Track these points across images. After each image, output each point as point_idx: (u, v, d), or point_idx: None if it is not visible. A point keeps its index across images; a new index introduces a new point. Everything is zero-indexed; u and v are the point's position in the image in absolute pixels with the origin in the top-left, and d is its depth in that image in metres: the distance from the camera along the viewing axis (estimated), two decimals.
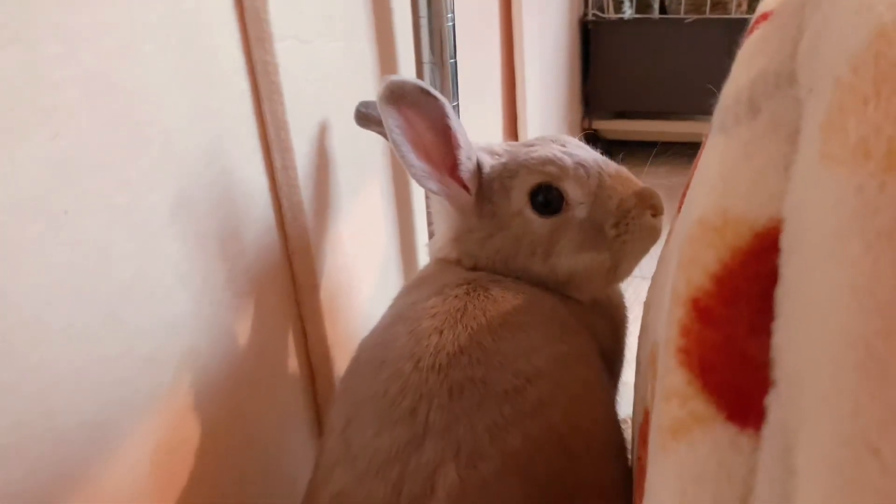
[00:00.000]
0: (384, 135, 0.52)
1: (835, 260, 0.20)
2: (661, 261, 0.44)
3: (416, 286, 0.55)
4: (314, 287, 0.63)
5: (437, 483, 0.40)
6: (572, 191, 0.53)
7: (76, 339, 0.40)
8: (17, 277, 0.36)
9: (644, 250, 0.55)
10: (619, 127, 1.92)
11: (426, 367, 0.43)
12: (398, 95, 0.48)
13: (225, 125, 0.52)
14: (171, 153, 0.47)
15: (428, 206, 0.74)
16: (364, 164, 0.73)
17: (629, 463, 0.49)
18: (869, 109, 0.22)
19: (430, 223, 0.75)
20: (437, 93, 0.49)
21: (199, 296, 0.50)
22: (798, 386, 0.20)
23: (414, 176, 0.51)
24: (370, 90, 0.71)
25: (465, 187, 0.54)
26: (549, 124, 1.53)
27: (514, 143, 0.59)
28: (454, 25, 0.72)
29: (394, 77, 0.48)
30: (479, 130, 1.09)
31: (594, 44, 1.81)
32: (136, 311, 0.45)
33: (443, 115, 0.50)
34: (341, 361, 0.68)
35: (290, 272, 0.62)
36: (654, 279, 0.46)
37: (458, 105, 0.78)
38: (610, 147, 1.90)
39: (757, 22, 0.35)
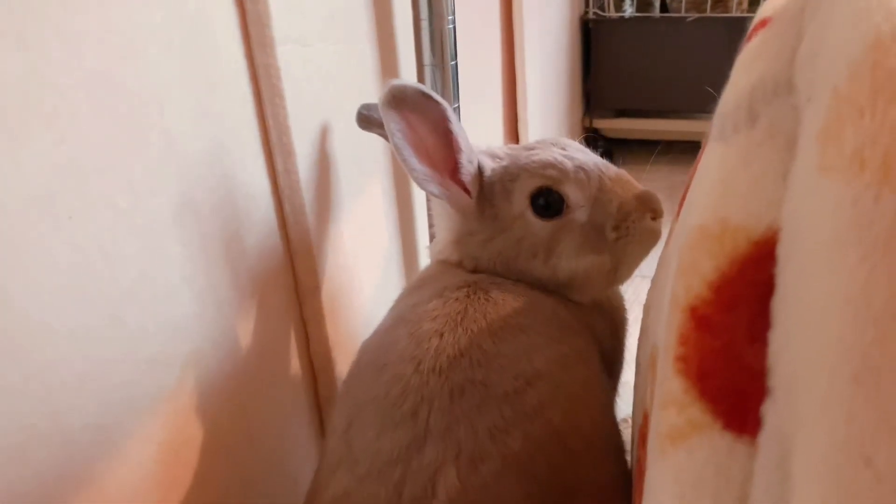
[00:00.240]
0: (385, 137, 0.52)
1: (831, 270, 0.21)
2: (661, 263, 0.44)
3: (417, 288, 0.55)
4: (316, 288, 0.63)
5: (438, 485, 0.40)
6: (573, 194, 0.53)
7: (80, 341, 0.41)
8: (23, 280, 0.37)
9: (644, 253, 0.55)
10: (620, 125, 1.92)
11: (427, 370, 0.44)
12: (400, 100, 0.48)
13: (227, 128, 0.52)
14: (174, 156, 0.47)
15: (429, 208, 0.74)
16: (365, 165, 0.73)
17: (628, 463, 0.49)
18: (865, 120, 0.22)
19: (431, 224, 0.75)
20: (438, 97, 0.49)
21: (202, 297, 0.51)
22: (794, 394, 0.21)
23: (415, 179, 0.52)
24: (371, 92, 0.71)
25: (467, 190, 0.54)
26: (549, 123, 1.54)
27: (515, 146, 0.59)
28: (455, 27, 0.72)
29: (395, 81, 0.48)
30: (480, 131, 1.09)
31: (595, 42, 1.81)
32: (140, 313, 0.45)
33: (444, 119, 0.50)
34: (343, 362, 0.69)
35: (291, 274, 0.62)
36: (654, 281, 0.46)
37: (458, 106, 0.78)
38: (611, 146, 1.91)
39: (756, 28, 0.35)
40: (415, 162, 0.51)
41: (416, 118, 0.50)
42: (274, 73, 0.55)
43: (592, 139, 1.88)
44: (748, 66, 0.31)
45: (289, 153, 0.58)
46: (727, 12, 1.70)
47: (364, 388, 0.46)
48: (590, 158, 0.55)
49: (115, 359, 0.43)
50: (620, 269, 0.55)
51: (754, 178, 0.26)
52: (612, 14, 1.77)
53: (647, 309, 0.47)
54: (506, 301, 0.49)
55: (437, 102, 0.49)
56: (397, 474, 0.41)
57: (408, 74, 0.77)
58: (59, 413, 0.39)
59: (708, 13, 1.70)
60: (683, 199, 0.40)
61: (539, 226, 0.53)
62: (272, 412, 0.61)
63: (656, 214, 0.54)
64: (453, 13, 0.72)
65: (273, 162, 0.57)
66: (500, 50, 1.20)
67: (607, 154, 0.57)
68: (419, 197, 0.84)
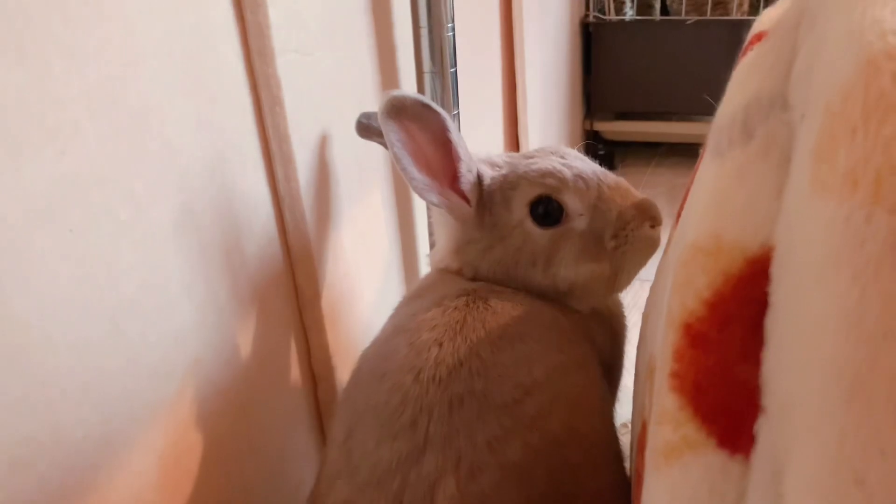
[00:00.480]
0: (385, 145, 0.53)
1: (823, 289, 0.21)
2: (660, 271, 0.44)
3: (417, 296, 0.56)
4: (316, 296, 0.64)
5: (437, 495, 0.40)
6: (572, 202, 0.53)
7: (83, 353, 0.41)
8: (24, 293, 0.37)
9: (643, 261, 0.55)
10: (620, 128, 1.92)
11: (426, 380, 0.44)
12: (399, 110, 0.49)
13: (227, 138, 0.52)
14: (175, 167, 0.47)
15: (429, 216, 0.74)
16: (365, 173, 0.73)
17: (627, 471, 0.49)
18: (857, 139, 0.23)
19: (431, 232, 0.76)
20: (437, 107, 0.50)
21: (203, 307, 0.51)
22: (786, 413, 0.21)
23: (415, 188, 0.52)
24: (371, 101, 0.72)
25: (466, 199, 0.54)
26: (550, 126, 1.54)
27: (514, 154, 0.59)
28: (454, 35, 0.73)
29: (395, 92, 0.48)
30: (480, 136, 1.10)
31: (595, 45, 1.81)
32: (141, 324, 0.45)
33: (443, 129, 0.50)
34: (343, 369, 0.69)
35: (292, 282, 0.62)
36: (653, 289, 0.46)
37: (458, 113, 0.79)
38: (612, 148, 1.91)
39: (752, 42, 0.35)
40: (414, 171, 0.51)
41: (416, 128, 0.50)
42: (274, 83, 0.55)
43: (593, 142, 1.88)
44: (743, 81, 0.31)
45: (289, 162, 0.58)
46: (727, 15, 1.71)
47: (364, 398, 0.47)
48: (589, 167, 0.55)
49: (116, 370, 0.43)
50: (620, 277, 0.55)
51: (749, 195, 0.26)
52: (613, 17, 1.77)
53: (646, 317, 0.47)
54: (504, 309, 0.49)
55: (436, 112, 0.50)
56: (396, 484, 0.41)
57: (407, 82, 0.77)
58: (60, 424, 0.40)
59: (708, 16, 1.71)
60: (683, 205, 0.40)
61: (538, 234, 0.53)
62: (273, 420, 0.61)
63: (655, 222, 0.54)
64: (453, 20, 0.72)
65: (273, 171, 0.58)
66: (500, 54, 1.20)
67: (608, 157, 0.57)
68: (419, 205, 0.84)
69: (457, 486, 0.40)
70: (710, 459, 0.23)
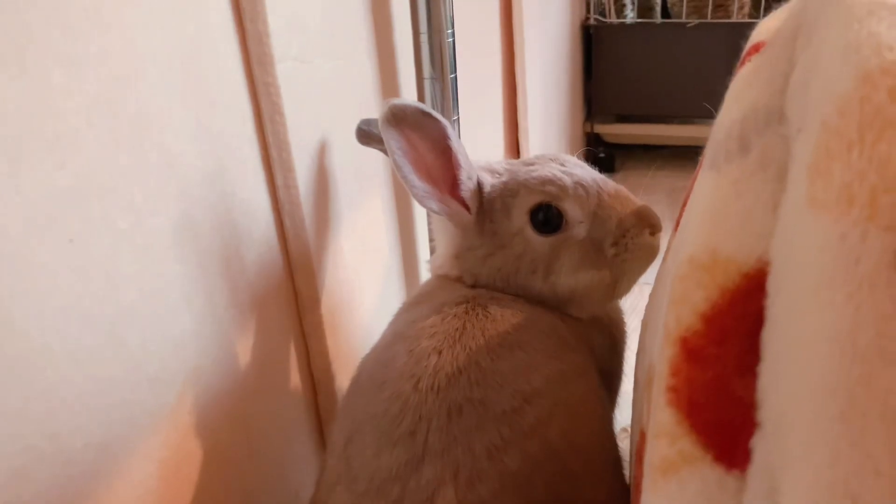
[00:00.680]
0: (385, 152, 0.53)
1: (818, 306, 0.21)
2: (659, 278, 0.44)
3: (417, 303, 0.56)
4: (316, 302, 0.64)
5: None
6: (572, 210, 0.53)
7: (82, 362, 0.41)
8: (24, 304, 0.37)
9: (643, 268, 0.55)
10: (621, 131, 1.93)
11: (425, 388, 0.44)
12: (400, 118, 0.49)
13: (227, 146, 0.53)
14: (174, 175, 0.47)
15: (429, 222, 0.74)
16: (365, 180, 0.73)
17: (626, 479, 0.49)
18: (853, 155, 0.23)
19: (431, 238, 0.76)
20: (437, 114, 0.50)
21: (203, 315, 0.51)
22: (782, 429, 0.21)
23: (415, 196, 0.52)
24: (371, 107, 0.72)
25: (466, 206, 0.54)
26: (550, 129, 1.54)
27: (514, 161, 0.59)
28: (454, 41, 0.73)
29: (395, 100, 0.49)
30: (481, 141, 1.10)
31: (596, 48, 1.81)
32: (141, 333, 0.45)
33: (444, 136, 0.51)
34: (343, 375, 0.69)
35: (292, 288, 0.62)
36: (651, 298, 0.46)
37: (458, 119, 0.79)
38: (612, 151, 1.91)
39: (749, 53, 0.35)
40: (415, 179, 0.51)
41: (416, 136, 0.50)
42: (273, 91, 0.55)
43: (593, 148, 1.88)
44: (740, 94, 0.31)
45: (289, 169, 0.58)
46: (728, 17, 1.71)
47: (363, 406, 0.47)
48: (588, 174, 0.55)
49: (116, 378, 0.44)
50: (619, 285, 0.55)
51: (745, 210, 0.26)
52: (614, 20, 1.77)
53: (646, 324, 0.47)
54: (504, 317, 0.49)
55: (436, 120, 0.50)
56: (395, 492, 0.41)
57: (407, 88, 0.78)
58: (60, 433, 0.40)
59: (709, 18, 1.71)
60: (682, 211, 0.40)
61: (538, 241, 0.53)
62: (273, 426, 0.61)
63: (654, 230, 0.54)
64: (452, 26, 0.72)
65: (273, 178, 0.58)
66: (501, 58, 1.20)
67: (609, 160, 0.57)
68: (419, 211, 0.84)
69: (456, 495, 0.40)
70: (707, 474, 0.23)
